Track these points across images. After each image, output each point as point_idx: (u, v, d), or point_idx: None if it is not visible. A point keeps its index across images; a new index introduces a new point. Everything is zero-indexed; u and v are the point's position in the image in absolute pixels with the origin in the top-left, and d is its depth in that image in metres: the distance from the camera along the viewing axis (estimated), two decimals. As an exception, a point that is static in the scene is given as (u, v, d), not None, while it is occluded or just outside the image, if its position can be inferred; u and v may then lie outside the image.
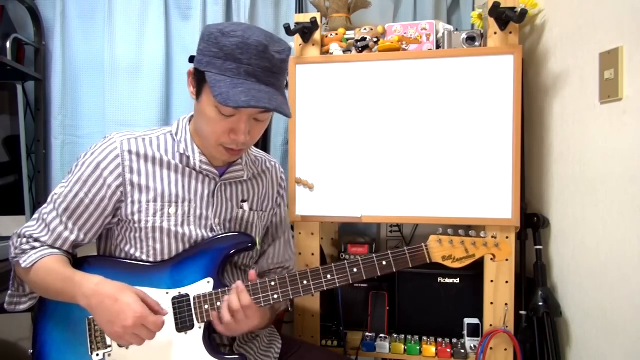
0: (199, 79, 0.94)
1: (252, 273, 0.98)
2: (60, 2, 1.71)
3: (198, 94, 0.95)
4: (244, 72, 0.88)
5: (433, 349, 1.41)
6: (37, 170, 1.74)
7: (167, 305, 0.95)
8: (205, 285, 0.97)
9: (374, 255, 0.96)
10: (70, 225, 0.97)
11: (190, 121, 1.05)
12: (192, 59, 0.98)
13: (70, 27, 1.74)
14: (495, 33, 1.34)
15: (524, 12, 1.26)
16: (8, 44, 1.59)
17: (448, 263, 0.96)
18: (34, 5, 1.69)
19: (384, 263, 0.95)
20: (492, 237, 0.97)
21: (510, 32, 1.33)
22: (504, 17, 1.30)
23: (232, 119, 0.92)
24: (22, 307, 1.02)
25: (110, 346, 0.94)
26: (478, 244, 0.96)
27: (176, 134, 1.03)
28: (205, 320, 0.95)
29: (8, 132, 1.61)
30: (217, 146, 0.96)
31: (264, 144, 1.73)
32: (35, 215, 1.00)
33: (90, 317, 0.95)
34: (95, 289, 0.88)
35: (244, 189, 1.10)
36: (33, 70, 1.71)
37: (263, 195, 1.15)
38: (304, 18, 1.44)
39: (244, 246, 1.02)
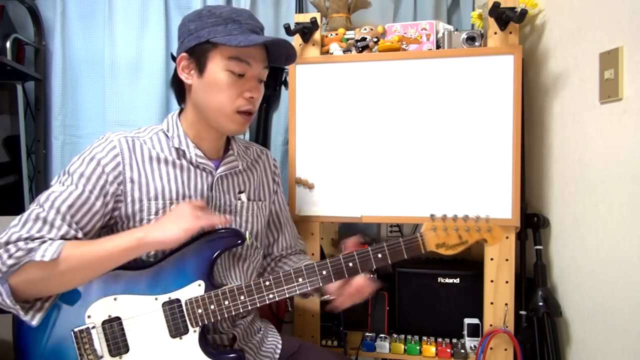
0: (199, 55, 0.98)
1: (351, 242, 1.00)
2: (60, 2, 1.71)
3: (201, 69, 0.98)
4: (247, 29, 0.97)
5: (433, 349, 1.41)
6: (37, 170, 1.73)
7: (157, 312, 0.92)
8: (196, 289, 0.94)
9: (369, 248, 0.95)
10: (74, 224, 0.90)
11: (179, 117, 1.06)
12: (173, 58, 1.04)
13: (70, 27, 1.74)
14: (495, 33, 1.34)
15: (524, 12, 1.26)
16: (8, 44, 1.59)
17: (442, 251, 0.96)
18: (34, 5, 1.69)
19: (380, 256, 0.95)
20: (485, 220, 0.96)
21: (510, 32, 1.33)
22: (504, 17, 1.30)
23: (243, 79, 0.98)
24: (40, 314, 0.90)
25: (102, 357, 0.91)
26: (471, 229, 0.95)
27: (168, 131, 1.03)
28: (200, 325, 0.93)
29: (8, 132, 1.61)
30: (234, 114, 0.99)
31: (264, 144, 1.73)
32: (16, 221, 0.89)
33: (76, 329, 0.91)
34: (153, 223, 0.95)
35: (239, 180, 1.10)
36: (33, 70, 1.71)
37: (259, 184, 1.15)
38: (304, 18, 1.44)
39: (233, 243, 0.99)
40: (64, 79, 1.73)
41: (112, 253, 0.88)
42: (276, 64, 1.07)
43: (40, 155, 1.74)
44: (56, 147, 1.74)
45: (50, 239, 0.87)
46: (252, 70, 0.99)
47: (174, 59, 1.04)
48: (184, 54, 1.00)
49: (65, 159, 1.74)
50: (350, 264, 0.95)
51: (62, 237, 0.89)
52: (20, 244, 0.85)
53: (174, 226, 0.90)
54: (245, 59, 0.97)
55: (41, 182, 1.73)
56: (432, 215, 0.97)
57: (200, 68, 0.98)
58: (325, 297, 1.05)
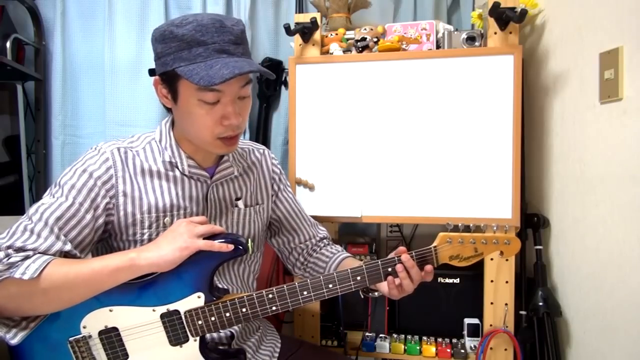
0: (170, 82, 0.93)
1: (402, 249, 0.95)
2: (60, 2, 1.71)
3: (175, 98, 0.94)
4: (213, 50, 0.88)
5: (433, 349, 1.41)
6: (37, 170, 1.74)
7: (155, 323, 0.91)
8: (195, 300, 0.91)
9: (379, 261, 0.93)
10: (62, 236, 0.87)
11: (172, 126, 1.03)
12: (151, 72, 0.97)
13: (70, 27, 1.74)
14: (495, 33, 1.34)
15: (524, 12, 1.26)
16: (8, 44, 1.59)
17: (455, 262, 0.92)
18: (34, 5, 1.70)
19: (390, 270, 0.93)
20: (504, 232, 0.93)
21: (510, 32, 1.33)
22: (504, 17, 1.30)
23: (218, 106, 0.91)
24: (23, 333, 0.86)
25: None
26: (489, 242, 0.92)
27: (160, 141, 1.01)
28: (201, 334, 0.92)
29: (8, 132, 1.62)
30: (214, 140, 0.94)
31: (263, 144, 1.73)
32: (4, 233, 0.85)
33: (71, 339, 0.88)
34: (148, 244, 0.90)
35: (235, 186, 1.08)
36: (33, 70, 1.71)
37: (255, 188, 1.13)
38: (304, 18, 1.44)
39: (235, 254, 0.92)
40: (64, 79, 1.74)
41: (99, 273, 0.84)
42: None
43: (40, 155, 1.74)
44: (56, 147, 1.75)
45: (34, 249, 0.83)
46: (226, 95, 0.91)
47: (151, 73, 0.98)
48: (157, 78, 0.96)
49: (65, 159, 1.74)
50: (359, 277, 0.93)
51: (49, 248, 0.85)
52: (1, 254, 0.81)
53: (169, 246, 0.86)
54: (215, 87, 0.88)
55: (41, 182, 1.74)
56: (447, 224, 0.94)
57: (174, 96, 0.93)
58: (372, 294, 1.04)
